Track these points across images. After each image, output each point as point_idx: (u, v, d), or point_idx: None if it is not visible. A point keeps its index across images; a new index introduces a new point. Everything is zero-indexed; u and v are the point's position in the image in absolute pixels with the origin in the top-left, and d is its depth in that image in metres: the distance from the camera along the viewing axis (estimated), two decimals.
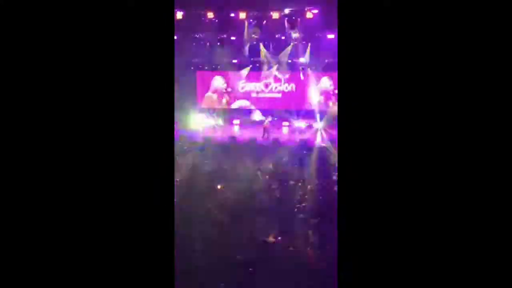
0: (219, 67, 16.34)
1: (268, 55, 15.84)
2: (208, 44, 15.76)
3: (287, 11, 14.88)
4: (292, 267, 5.80)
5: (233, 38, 15.63)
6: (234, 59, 16.05)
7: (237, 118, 15.98)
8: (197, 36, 15.67)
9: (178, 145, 10.90)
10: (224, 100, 16.40)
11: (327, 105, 15.85)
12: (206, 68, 16.45)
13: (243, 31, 15.30)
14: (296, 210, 7.76)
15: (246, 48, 15.68)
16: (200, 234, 6.34)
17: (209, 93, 16.59)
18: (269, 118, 15.03)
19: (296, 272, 5.67)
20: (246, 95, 16.50)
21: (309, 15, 14.60)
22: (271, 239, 6.70)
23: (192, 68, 16.32)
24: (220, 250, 6.08)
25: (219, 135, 14.43)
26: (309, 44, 15.29)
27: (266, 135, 14.20)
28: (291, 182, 9.06)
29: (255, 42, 15.69)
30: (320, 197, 8.28)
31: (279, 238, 6.71)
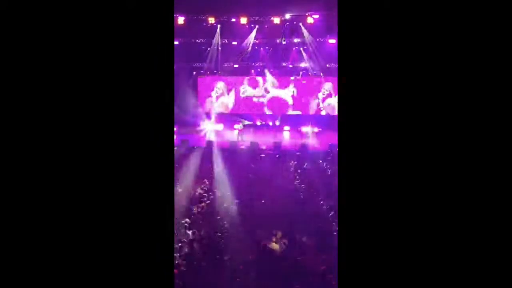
0: (219, 72, 16.41)
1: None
2: (209, 49, 15.84)
3: (288, 16, 14.94)
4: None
5: (234, 43, 15.70)
6: (235, 64, 16.14)
7: (238, 122, 16.05)
8: (198, 41, 15.76)
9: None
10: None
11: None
12: (208, 73, 16.51)
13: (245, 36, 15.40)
14: None
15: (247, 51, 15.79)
16: None
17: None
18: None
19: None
20: (247, 100, 16.55)
21: (310, 20, 14.65)
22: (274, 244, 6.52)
23: (194, 73, 16.41)
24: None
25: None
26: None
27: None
28: None
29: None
30: None
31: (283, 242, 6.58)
